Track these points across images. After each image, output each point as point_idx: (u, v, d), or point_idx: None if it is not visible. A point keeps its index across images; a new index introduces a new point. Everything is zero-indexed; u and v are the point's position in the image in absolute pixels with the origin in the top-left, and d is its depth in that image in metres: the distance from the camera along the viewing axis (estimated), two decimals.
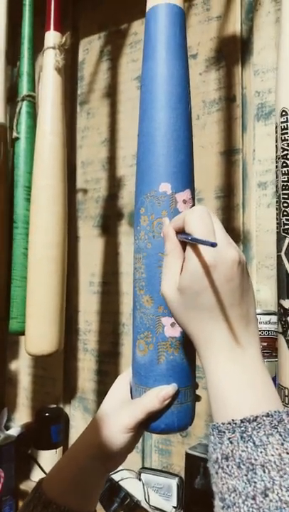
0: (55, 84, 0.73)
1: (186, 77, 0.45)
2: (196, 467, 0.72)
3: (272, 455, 0.28)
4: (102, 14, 0.98)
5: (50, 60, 0.73)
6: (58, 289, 0.73)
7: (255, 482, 0.28)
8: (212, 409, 0.33)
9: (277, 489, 0.27)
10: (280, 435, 0.29)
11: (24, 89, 0.81)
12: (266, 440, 0.29)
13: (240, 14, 0.79)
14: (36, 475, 0.90)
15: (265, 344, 0.66)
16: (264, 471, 0.28)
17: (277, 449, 0.28)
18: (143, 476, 0.81)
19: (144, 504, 0.76)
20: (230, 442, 0.30)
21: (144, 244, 0.43)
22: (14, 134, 0.80)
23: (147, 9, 0.46)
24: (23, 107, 0.81)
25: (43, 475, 0.46)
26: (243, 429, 0.30)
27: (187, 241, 0.35)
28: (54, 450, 0.91)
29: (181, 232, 0.38)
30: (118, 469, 0.71)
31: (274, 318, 0.67)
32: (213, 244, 0.31)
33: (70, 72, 1.01)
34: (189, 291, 0.34)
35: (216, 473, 0.30)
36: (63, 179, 0.74)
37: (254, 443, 0.29)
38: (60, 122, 0.74)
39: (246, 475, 0.28)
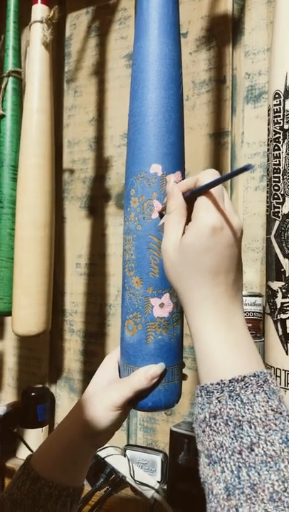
0: (43, 59, 0.71)
1: (178, 57, 0.44)
2: (180, 444, 0.74)
3: (259, 411, 0.30)
4: None
5: (38, 34, 0.71)
6: (46, 270, 0.72)
7: (241, 437, 0.29)
8: (199, 371, 0.35)
9: (262, 444, 0.28)
10: (266, 393, 0.31)
11: (10, 64, 0.79)
12: (253, 398, 0.30)
13: None
14: (22, 453, 0.91)
15: (250, 325, 0.67)
16: (250, 427, 0.29)
17: (263, 406, 0.30)
18: (128, 452, 0.83)
19: (129, 479, 0.78)
20: (219, 401, 0.31)
21: (134, 226, 0.43)
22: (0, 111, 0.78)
23: None
24: (9, 83, 0.79)
25: (29, 453, 0.47)
26: (231, 388, 0.31)
27: (209, 186, 0.34)
28: (40, 429, 0.93)
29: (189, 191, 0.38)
30: (104, 446, 0.73)
31: (259, 300, 0.68)
32: (248, 167, 0.31)
33: (56, 48, 0.98)
34: (192, 250, 0.35)
35: (203, 431, 0.31)
36: (51, 158, 0.73)
37: (242, 401, 0.30)
38: (48, 100, 0.72)
39: (233, 431, 0.30)
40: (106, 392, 0.44)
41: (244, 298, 0.68)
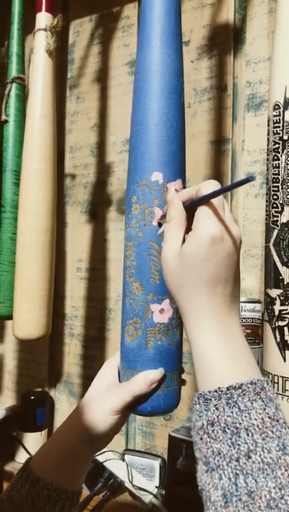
0: (46, 67, 0.72)
1: (180, 67, 0.45)
2: (179, 449, 0.74)
3: (256, 419, 0.30)
4: None
5: (41, 42, 0.72)
6: (47, 275, 0.73)
7: (239, 445, 0.29)
8: (196, 379, 0.35)
9: (259, 451, 0.29)
10: (263, 401, 0.31)
11: (14, 71, 0.80)
12: (250, 405, 0.31)
13: (234, 2, 0.79)
14: (21, 457, 0.91)
15: (249, 331, 0.68)
16: (248, 434, 0.30)
17: (260, 413, 0.30)
18: (127, 457, 0.83)
19: (127, 484, 0.78)
20: (216, 409, 0.31)
21: (136, 232, 0.44)
22: (3, 117, 0.79)
23: None
24: (13, 90, 0.79)
25: (28, 456, 0.48)
26: (228, 395, 0.31)
27: (211, 196, 0.34)
28: (39, 432, 0.93)
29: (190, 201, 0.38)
30: (102, 451, 0.73)
31: (258, 307, 0.69)
32: (251, 178, 0.31)
33: (60, 54, 1.00)
34: (191, 259, 0.35)
35: (201, 439, 0.32)
36: (53, 163, 0.74)
37: (239, 408, 0.31)
38: (51, 106, 0.73)
39: (231, 438, 0.30)
40: (105, 396, 0.44)
41: (243, 304, 0.69)
